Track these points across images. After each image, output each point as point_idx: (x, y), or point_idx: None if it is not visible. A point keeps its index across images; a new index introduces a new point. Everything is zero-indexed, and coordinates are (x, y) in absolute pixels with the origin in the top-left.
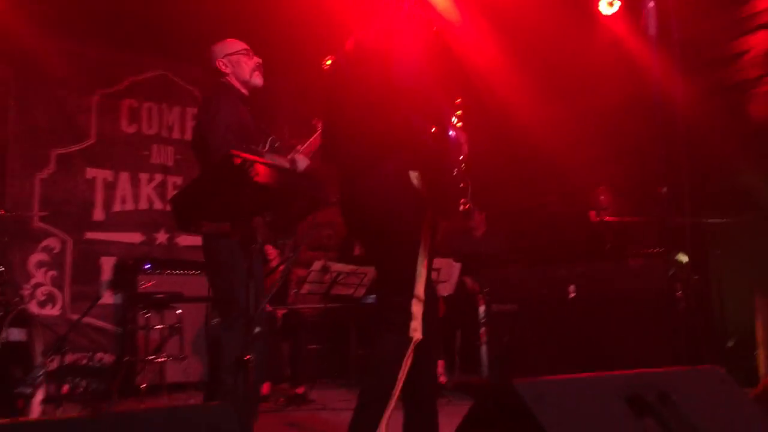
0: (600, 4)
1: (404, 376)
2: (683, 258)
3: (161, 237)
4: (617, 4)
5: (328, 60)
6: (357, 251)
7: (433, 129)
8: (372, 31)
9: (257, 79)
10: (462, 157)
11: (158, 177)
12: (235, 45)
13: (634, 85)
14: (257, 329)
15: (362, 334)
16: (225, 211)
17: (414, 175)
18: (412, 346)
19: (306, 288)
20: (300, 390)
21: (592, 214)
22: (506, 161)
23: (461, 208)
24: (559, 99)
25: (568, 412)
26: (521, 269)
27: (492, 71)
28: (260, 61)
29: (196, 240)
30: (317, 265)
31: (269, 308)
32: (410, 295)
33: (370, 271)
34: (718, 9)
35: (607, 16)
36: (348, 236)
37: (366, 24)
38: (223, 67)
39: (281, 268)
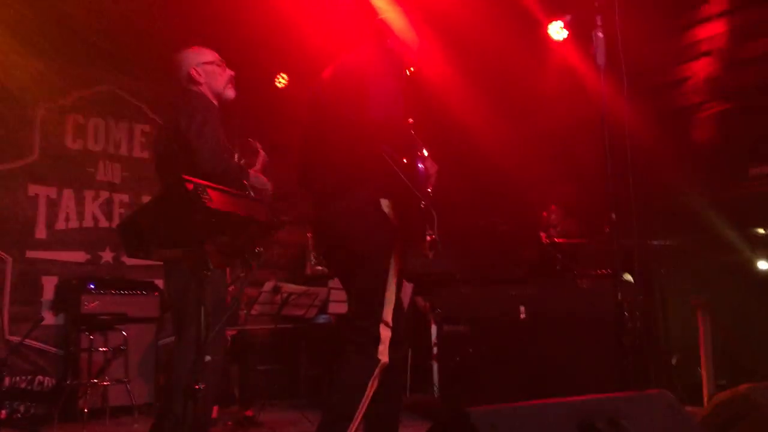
0: (550, 29)
1: (369, 399)
2: (628, 277)
3: (106, 256)
4: (566, 31)
5: (280, 78)
6: (309, 270)
7: (405, 160)
8: (349, 62)
9: (230, 92)
10: (430, 189)
11: (104, 194)
12: (209, 54)
13: (583, 108)
14: (207, 358)
15: (313, 354)
16: (176, 237)
17: (385, 203)
18: (378, 370)
19: (257, 309)
20: (249, 413)
21: (542, 235)
22: (458, 180)
23: (427, 239)
24: (510, 120)
25: None
26: (473, 289)
27: (445, 91)
28: (233, 74)
29: (142, 260)
30: (268, 285)
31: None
32: (378, 319)
33: (322, 292)
34: (662, 36)
35: (557, 42)
36: (299, 254)
37: (343, 55)
38: (197, 76)
39: (231, 289)
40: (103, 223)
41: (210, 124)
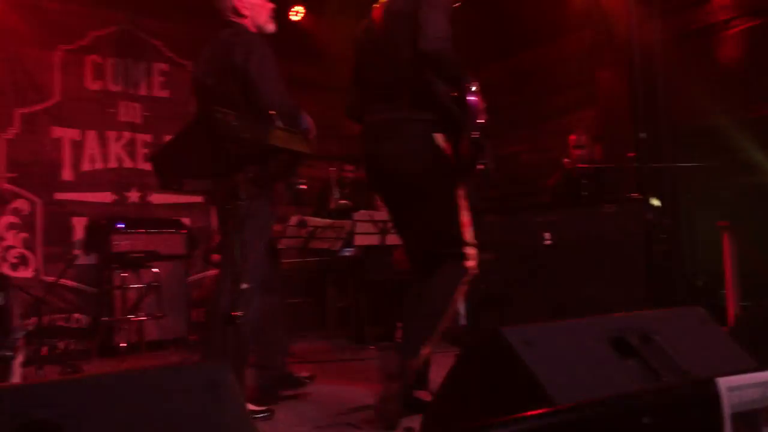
0: None
1: (456, 302)
2: (655, 202)
3: (133, 196)
4: None
5: (297, 9)
6: (333, 205)
7: (455, 94)
8: None
9: (271, 26)
10: (482, 121)
11: (126, 135)
12: None
13: (608, 29)
14: (245, 286)
15: (339, 286)
16: (207, 167)
17: (439, 137)
18: (467, 278)
19: (283, 243)
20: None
21: (566, 162)
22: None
23: (479, 167)
24: (537, 42)
25: (555, 356)
26: (497, 218)
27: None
28: (274, 6)
29: (169, 198)
30: (294, 220)
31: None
32: (462, 244)
33: (347, 224)
34: None
35: None
36: (323, 189)
37: None
38: (242, 9)
39: None
40: (128, 163)
41: (269, 62)
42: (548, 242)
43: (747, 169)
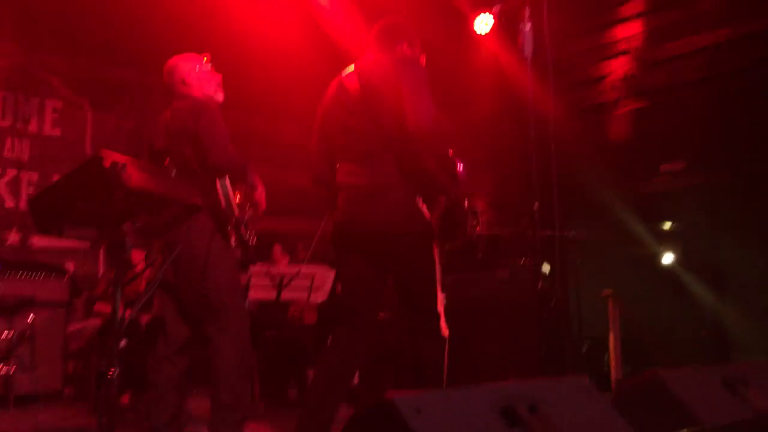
0: (475, 24)
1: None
2: (546, 268)
3: (13, 237)
4: (490, 24)
5: (205, 57)
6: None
7: (454, 161)
8: (379, 66)
9: (220, 95)
10: (469, 190)
11: (11, 172)
12: (199, 60)
13: (506, 101)
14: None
15: None
16: (92, 215)
17: (420, 201)
18: (446, 344)
19: None
20: None
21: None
22: None
23: (470, 231)
24: (445, 106)
25: (444, 425)
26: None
27: None
28: (221, 77)
29: (52, 242)
30: None
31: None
32: (433, 315)
33: (242, 277)
34: (584, 34)
35: (482, 36)
36: None
37: (368, 57)
38: (190, 80)
39: (147, 273)
40: (10, 202)
41: (216, 124)
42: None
43: (630, 241)
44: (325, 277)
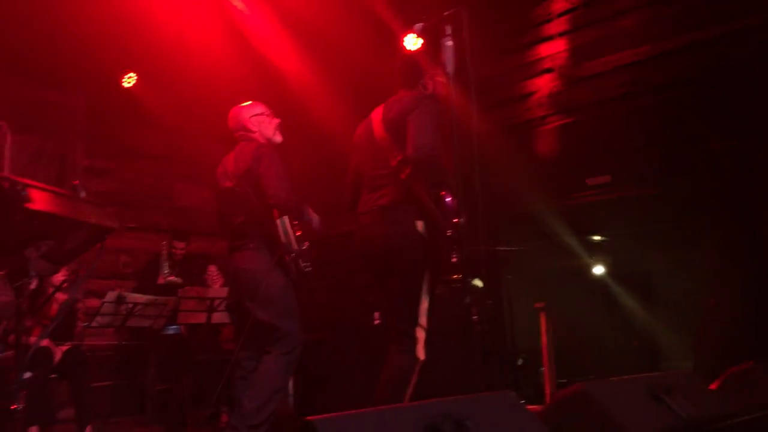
0: (405, 40)
1: (411, 391)
2: (478, 283)
3: None
4: (419, 42)
5: (129, 76)
6: (161, 280)
7: (443, 193)
8: (396, 101)
9: (278, 137)
10: (457, 220)
11: None
12: (260, 107)
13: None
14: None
15: (162, 367)
16: None
17: (420, 224)
18: (417, 366)
19: (98, 321)
20: (87, 431)
21: None
22: (320, 185)
23: (452, 260)
24: None
25: None
26: (329, 296)
27: (312, 97)
28: (279, 121)
29: None
30: (111, 295)
31: (46, 344)
32: (415, 323)
33: (170, 301)
34: (509, 52)
35: (411, 51)
36: (150, 263)
37: (394, 97)
38: (251, 126)
39: (61, 300)
40: None
41: (276, 166)
42: (377, 322)
43: (561, 254)
44: None
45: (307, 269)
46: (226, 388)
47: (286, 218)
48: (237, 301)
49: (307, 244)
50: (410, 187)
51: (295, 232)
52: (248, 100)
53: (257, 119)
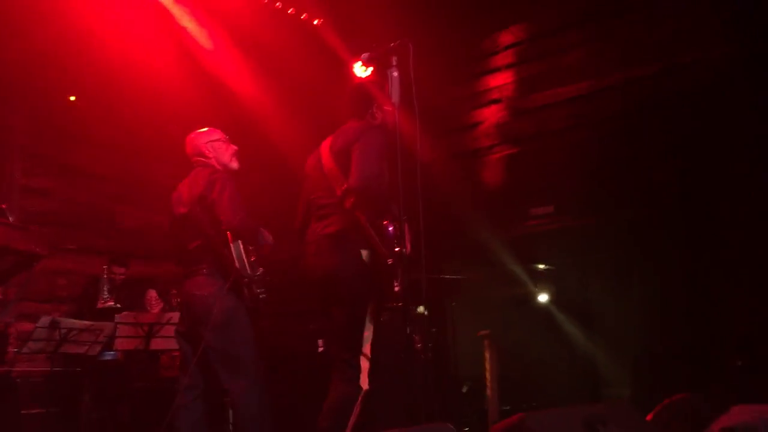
0: (354, 68)
1: (354, 420)
2: (422, 311)
3: None
4: (370, 70)
5: (72, 97)
6: (100, 304)
7: (385, 223)
8: (343, 131)
9: (234, 164)
10: (398, 249)
11: None
12: (216, 133)
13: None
14: None
15: (97, 394)
16: None
17: (365, 254)
18: (361, 396)
19: (30, 346)
20: None
21: None
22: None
23: (395, 288)
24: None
25: None
26: (273, 322)
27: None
28: (236, 148)
29: None
30: (44, 320)
31: None
32: (358, 352)
33: (107, 327)
34: (457, 83)
35: (362, 79)
36: (91, 285)
37: (342, 127)
38: (207, 152)
39: None
40: None
41: (229, 192)
42: (321, 349)
43: (506, 282)
44: None
45: (261, 295)
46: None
47: (240, 243)
48: (188, 329)
49: (261, 270)
50: (354, 217)
51: (249, 258)
52: (200, 123)
53: (213, 145)
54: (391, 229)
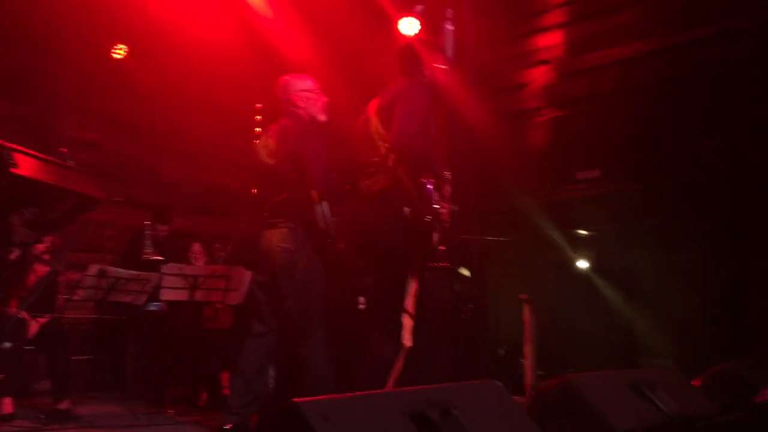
0: (400, 26)
1: (394, 378)
2: (465, 272)
3: None
4: (416, 26)
5: (119, 49)
6: (144, 256)
7: (423, 180)
8: (389, 89)
9: (322, 117)
10: (438, 206)
11: None
12: (309, 82)
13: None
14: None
15: (142, 344)
16: None
17: (407, 210)
18: (402, 353)
19: (79, 294)
20: (63, 405)
21: None
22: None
23: (440, 248)
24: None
25: (353, 431)
26: None
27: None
28: (327, 100)
29: None
30: (92, 269)
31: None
32: (402, 309)
33: (153, 277)
34: (506, 42)
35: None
36: (136, 238)
37: (390, 85)
38: (298, 101)
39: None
40: None
41: (316, 149)
42: (362, 306)
43: (546, 247)
44: (241, 279)
45: (340, 253)
46: (207, 368)
47: (325, 204)
48: (267, 278)
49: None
50: (397, 174)
51: (333, 218)
52: (244, 80)
53: (305, 95)
54: (430, 186)
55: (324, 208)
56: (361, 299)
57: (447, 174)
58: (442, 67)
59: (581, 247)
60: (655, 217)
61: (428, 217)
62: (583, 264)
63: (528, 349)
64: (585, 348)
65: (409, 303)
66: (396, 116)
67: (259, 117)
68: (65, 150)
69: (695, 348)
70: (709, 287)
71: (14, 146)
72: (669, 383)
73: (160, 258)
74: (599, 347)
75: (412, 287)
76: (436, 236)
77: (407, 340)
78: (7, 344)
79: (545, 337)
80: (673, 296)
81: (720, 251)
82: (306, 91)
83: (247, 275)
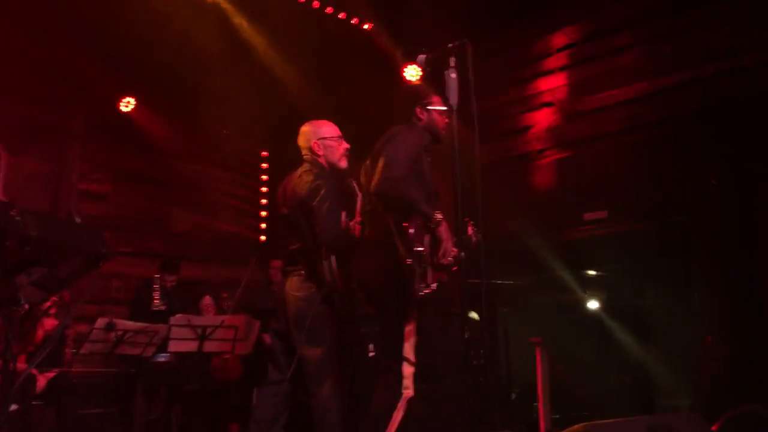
0: (405, 73)
1: (396, 426)
2: (474, 316)
3: None
4: (419, 74)
5: (127, 100)
6: (154, 307)
7: (405, 225)
8: (387, 134)
9: (343, 163)
10: (418, 249)
11: None
12: (330, 129)
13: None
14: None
15: (151, 395)
16: None
17: (396, 257)
18: (403, 402)
19: (87, 348)
20: None
21: None
22: None
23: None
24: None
25: None
26: None
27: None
28: (348, 146)
29: None
30: (101, 322)
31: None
32: (398, 357)
33: (161, 329)
34: (509, 85)
35: (410, 82)
36: (144, 289)
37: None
38: (317, 149)
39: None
40: None
41: (330, 203)
42: (372, 354)
43: (556, 288)
44: (250, 328)
45: (351, 307)
46: (217, 420)
47: (333, 259)
48: (283, 327)
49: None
50: (385, 221)
51: (341, 272)
52: (251, 129)
53: (324, 143)
54: (411, 230)
55: (331, 262)
56: (371, 346)
57: (438, 215)
58: (444, 109)
59: (591, 287)
60: (666, 256)
61: (409, 261)
62: (593, 304)
63: (541, 393)
64: (599, 390)
65: (408, 350)
66: (381, 161)
67: (265, 165)
68: (72, 210)
69: (713, 387)
70: (724, 326)
71: (22, 206)
72: (687, 428)
73: (169, 310)
74: (614, 389)
75: (410, 334)
76: (419, 280)
77: (409, 388)
78: (15, 406)
79: (558, 379)
80: (687, 335)
81: (734, 289)
82: (326, 140)
83: (256, 324)
